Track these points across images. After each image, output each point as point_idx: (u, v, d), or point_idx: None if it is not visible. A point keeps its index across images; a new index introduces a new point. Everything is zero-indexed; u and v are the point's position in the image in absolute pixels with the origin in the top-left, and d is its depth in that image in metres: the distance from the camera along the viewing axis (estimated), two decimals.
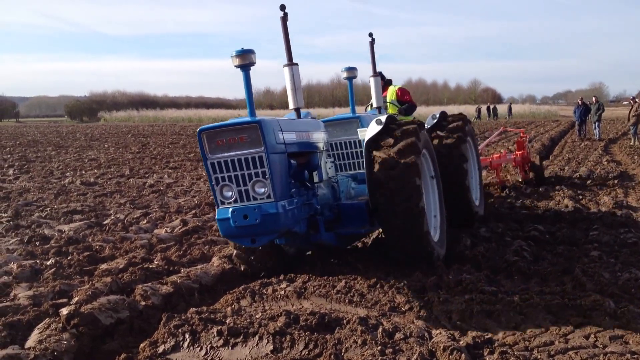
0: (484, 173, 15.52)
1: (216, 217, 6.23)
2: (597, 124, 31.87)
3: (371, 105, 10.01)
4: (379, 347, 4.86)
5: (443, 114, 10.16)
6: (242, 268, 7.73)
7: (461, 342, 4.95)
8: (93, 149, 32.75)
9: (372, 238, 9.26)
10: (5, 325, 5.75)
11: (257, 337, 4.83)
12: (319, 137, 7.59)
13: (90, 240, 9.79)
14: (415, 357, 4.63)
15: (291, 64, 6.95)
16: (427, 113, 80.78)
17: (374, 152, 7.12)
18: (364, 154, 7.22)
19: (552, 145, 27.67)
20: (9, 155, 28.09)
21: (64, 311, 5.88)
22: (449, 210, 8.62)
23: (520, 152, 15.01)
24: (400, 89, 11.32)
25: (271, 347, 4.76)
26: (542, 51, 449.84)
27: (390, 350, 4.85)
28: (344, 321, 5.27)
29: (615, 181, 15.01)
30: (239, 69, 6.22)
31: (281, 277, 7.11)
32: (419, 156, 7.19)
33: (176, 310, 6.06)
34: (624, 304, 5.94)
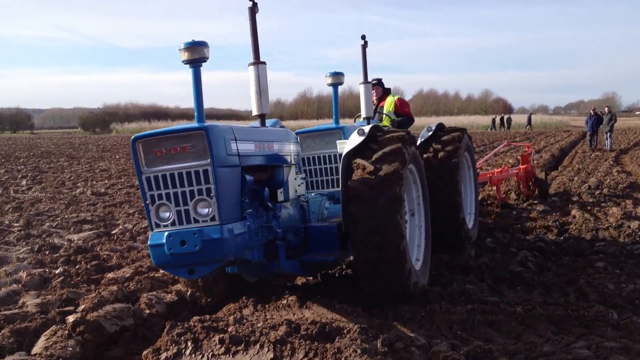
0: (484, 189, 14.79)
1: (149, 242, 5.30)
2: (609, 134, 31.78)
3: (360, 115, 9.34)
4: (378, 357, 4.87)
5: (440, 125, 9.35)
6: (188, 295, 7.01)
7: (461, 352, 4.96)
8: (104, 159, 32.98)
9: None
10: (12, 332, 5.82)
11: (258, 346, 4.86)
12: (288, 149, 6.65)
13: (98, 249, 9.88)
14: None
15: (258, 62, 6.14)
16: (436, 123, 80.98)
17: (354, 161, 6.32)
18: (340, 166, 6.31)
19: (562, 156, 27.60)
20: (22, 166, 28.34)
21: (70, 318, 5.95)
22: (434, 231, 7.79)
23: (524, 167, 14.20)
24: (399, 99, 10.46)
25: (272, 356, 4.79)
26: (555, 61, 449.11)
27: (390, 359, 4.87)
28: (345, 330, 5.29)
29: (625, 192, 14.96)
30: (187, 65, 5.29)
31: (285, 286, 7.15)
32: (405, 166, 6.26)
33: (179, 319, 6.10)
34: (628, 315, 5.94)
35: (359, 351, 5.02)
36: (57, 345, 5.46)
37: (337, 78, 7.78)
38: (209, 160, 5.13)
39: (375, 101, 10.44)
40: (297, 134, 7.56)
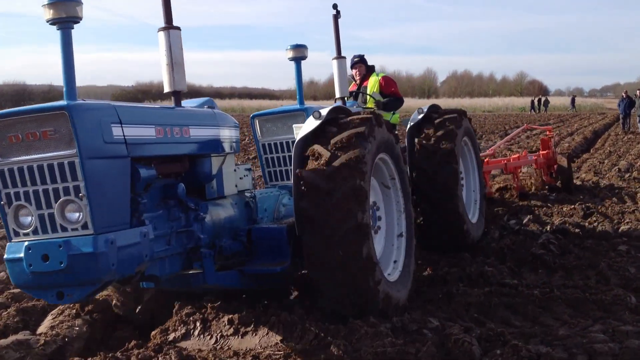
0: (501, 177, 13.76)
1: (5, 255, 4.14)
2: None
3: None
4: (389, 339, 4.86)
5: (433, 107, 8.35)
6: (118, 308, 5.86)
7: (473, 335, 4.92)
8: None
9: None
10: (18, 310, 5.82)
11: (267, 327, 4.87)
12: (217, 135, 5.43)
13: None
14: (425, 348, 4.61)
15: (170, 27, 5.01)
16: (470, 105, 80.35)
17: (309, 148, 5.22)
18: (293, 154, 5.23)
19: (594, 138, 27.17)
20: None
21: None
22: (429, 229, 7.48)
23: (544, 152, 12.78)
24: (384, 77, 9.15)
25: (280, 337, 4.80)
26: (592, 44, 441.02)
27: (402, 341, 4.85)
28: None
29: None
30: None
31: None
32: (368, 153, 5.15)
33: (190, 299, 6.13)
34: None
35: (370, 333, 5.03)
36: (63, 325, 5.41)
37: (299, 51, 6.73)
38: (76, 149, 3.93)
39: (357, 81, 9.32)
40: (255, 116, 6.95)
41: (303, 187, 4.96)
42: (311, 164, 5.03)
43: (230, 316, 4.95)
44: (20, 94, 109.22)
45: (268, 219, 6.25)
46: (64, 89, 4.10)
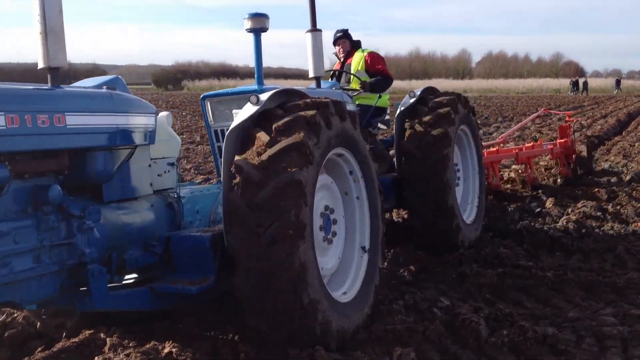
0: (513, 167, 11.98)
1: None
2: None
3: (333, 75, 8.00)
4: (399, 316, 4.95)
5: (428, 90, 7.48)
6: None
7: (481, 315, 4.99)
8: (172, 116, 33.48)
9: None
10: None
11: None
12: (118, 124, 4.36)
13: None
14: (433, 326, 4.70)
15: None
16: (504, 87, 79.36)
17: (246, 134, 4.38)
18: (224, 144, 4.28)
19: (628, 121, 26.70)
20: None
21: None
22: (415, 224, 6.91)
23: (562, 141, 11.50)
24: (370, 54, 7.98)
25: None
26: (629, 23, 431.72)
27: (412, 319, 4.94)
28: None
29: None
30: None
31: None
32: (313, 140, 4.27)
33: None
34: None
35: (385, 310, 5.13)
36: None
37: (258, 21, 5.81)
38: None
39: (341, 58, 8.20)
40: (205, 97, 6.07)
41: (231, 179, 4.17)
42: (246, 154, 4.20)
43: None
44: (65, 72, 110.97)
45: (202, 224, 5.26)
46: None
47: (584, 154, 11.68)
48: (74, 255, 4.00)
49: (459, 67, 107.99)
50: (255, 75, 6.13)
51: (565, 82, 76.22)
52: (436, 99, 7.11)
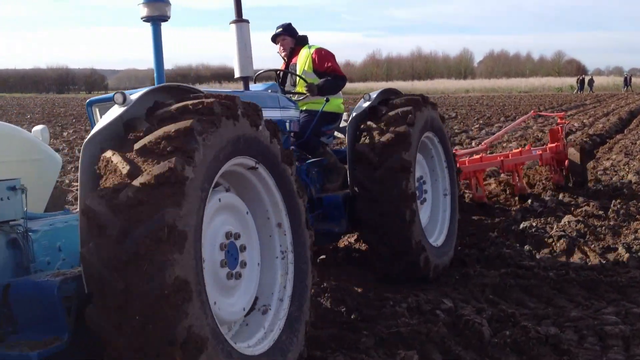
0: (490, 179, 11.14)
1: None
2: None
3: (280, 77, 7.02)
4: (402, 318, 5.00)
5: (388, 92, 6.61)
6: None
7: (484, 316, 5.03)
8: None
9: None
10: None
11: None
12: None
13: None
14: (436, 328, 4.74)
15: None
16: (506, 86, 79.30)
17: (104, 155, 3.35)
18: (80, 161, 3.39)
19: (630, 118, 26.66)
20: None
21: None
22: (372, 248, 6.11)
23: (552, 146, 10.58)
24: (318, 51, 6.88)
25: None
26: (631, 21, 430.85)
27: (415, 321, 4.98)
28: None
29: None
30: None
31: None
32: (191, 164, 3.22)
33: None
34: None
35: (388, 312, 5.18)
36: None
37: (156, 8, 4.66)
38: None
39: (284, 57, 7.11)
40: (92, 102, 4.89)
41: (84, 219, 3.20)
42: (104, 182, 3.26)
43: None
44: (63, 77, 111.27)
45: (66, 264, 4.12)
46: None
47: (576, 159, 10.49)
48: None
49: (461, 67, 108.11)
50: (155, 75, 4.89)
51: (567, 81, 76.22)
52: (396, 100, 6.31)
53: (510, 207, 9.46)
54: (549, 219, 8.31)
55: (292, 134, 6.21)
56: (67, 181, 12.11)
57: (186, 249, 3.13)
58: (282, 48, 7.05)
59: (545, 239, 7.41)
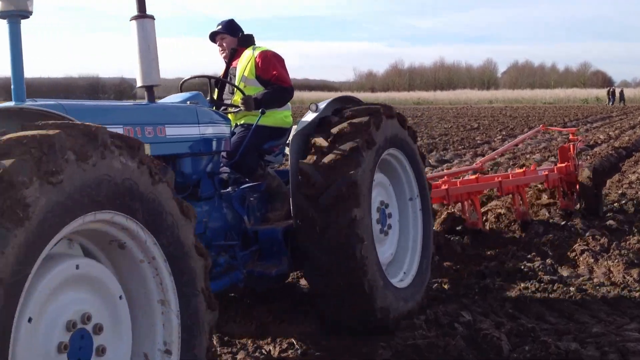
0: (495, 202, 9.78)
1: None
2: None
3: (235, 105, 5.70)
4: (419, 331, 4.94)
5: (342, 100, 5.53)
6: None
7: (502, 330, 4.95)
8: None
9: None
10: None
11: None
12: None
13: None
14: (454, 342, 4.67)
15: None
16: (530, 97, 78.74)
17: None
18: None
19: None
20: None
21: None
22: (318, 292, 5.06)
23: (562, 166, 9.41)
24: (263, 54, 5.71)
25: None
26: None
27: (433, 334, 4.93)
28: None
29: None
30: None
31: None
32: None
33: None
34: None
35: (404, 324, 5.13)
36: None
37: (12, 2, 3.65)
38: None
39: (225, 60, 6.00)
40: None
41: None
42: None
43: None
44: (94, 86, 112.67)
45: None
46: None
47: (588, 182, 9.20)
48: None
49: (485, 77, 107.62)
50: (12, 87, 3.74)
51: (593, 92, 75.37)
52: (349, 111, 5.22)
53: (510, 235, 8.37)
54: (571, 233, 8.20)
55: (223, 154, 5.22)
56: None
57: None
58: (221, 49, 5.98)
59: (568, 253, 7.31)
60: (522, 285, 6.16)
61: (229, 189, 5.27)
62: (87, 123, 2.85)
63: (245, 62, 5.74)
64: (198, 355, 3.23)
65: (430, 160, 16.04)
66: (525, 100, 73.15)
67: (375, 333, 4.91)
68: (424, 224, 5.83)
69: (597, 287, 6.05)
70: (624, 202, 10.18)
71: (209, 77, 5.88)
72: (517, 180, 8.77)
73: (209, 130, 4.81)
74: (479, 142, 21.29)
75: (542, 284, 6.17)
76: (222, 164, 5.25)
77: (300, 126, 5.12)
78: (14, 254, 2.34)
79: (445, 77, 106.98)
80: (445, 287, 6.40)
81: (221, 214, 4.94)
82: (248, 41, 5.92)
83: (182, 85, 5.80)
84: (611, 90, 69.19)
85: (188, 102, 4.94)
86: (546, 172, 9.20)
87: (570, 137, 10.47)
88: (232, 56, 5.90)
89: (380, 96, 70.24)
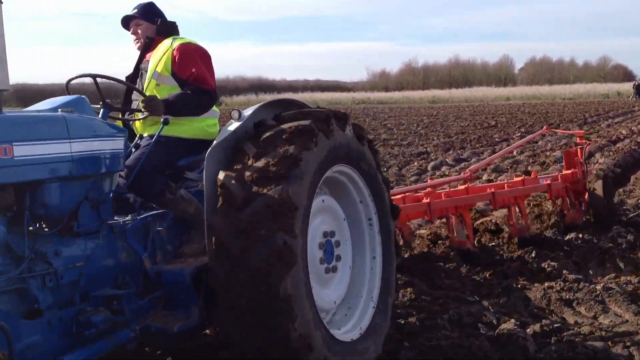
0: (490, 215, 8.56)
1: None
2: None
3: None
4: (443, 331, 4.88)
5: (275, 105, 4.35)
6: None
7: (528, 330, 4.88)
8: None
9: None
10: None
11: None
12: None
13: None
14: (478, 342, 4.61)
15: None
16: (549, 93, 77.86)
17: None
18: None
19: None
20: None
21: None
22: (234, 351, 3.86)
23: (568, 173, 8.40)
24: (182, 47, 4.60)
25: None
26: None
27: (456, 334, 4.87)
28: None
29: None
30: None
31: None
32: None
33: None
34: None
35: (427, 324, 5.08)
36: None
37: None
38: None
39: (139, 50, 4.89)
40: None
41: None
42: None
43: None
44: (107, 91, 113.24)
45: None
46: None
47: (598, 190, 8.19)
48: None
49: (501, 74, 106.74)
50: None
51: (614, 87, 74.22)
52: (293, 112, 4.19)
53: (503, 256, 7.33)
54: (596, 231, 8.06)
55: (118, 175, 4.14)
56: None
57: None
58: (135, 37, 4.86)
59: (593, 251, 7.20)
60: (547, 284, 6.05)
61: (128, 217, 4.18)
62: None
63: (161, 54, 4.62)
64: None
65: (447, 160, 15.92)
66: (543, 97, 72.37)
67: None
68: (385, 255, 4.69)
69: (623, 286, 5.93)
70: None
71: (94, 76, 4.45)
72: (513, 191, 7.79)
73: (86, 147, 3.71)
74: (497, 139, 21.09)
75: (567, 283, 6.06)
76: (118, 188, 4.19)
77: (222, 136, 3.99)
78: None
79: (460, 74, 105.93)
80: (467, 287, 6.31)
81: (107, 252, 3.88)
82: (169, 30, 4.81)
83: (68, 87, 4.60)
84: (637, 84, 67.73)
85: (59, 110, 3.80)
86: (548, 182, 8.10)
87: (578, 140, 9.20)
88: (147, 47, 4.80)
89: (395, 95, 69.84)
